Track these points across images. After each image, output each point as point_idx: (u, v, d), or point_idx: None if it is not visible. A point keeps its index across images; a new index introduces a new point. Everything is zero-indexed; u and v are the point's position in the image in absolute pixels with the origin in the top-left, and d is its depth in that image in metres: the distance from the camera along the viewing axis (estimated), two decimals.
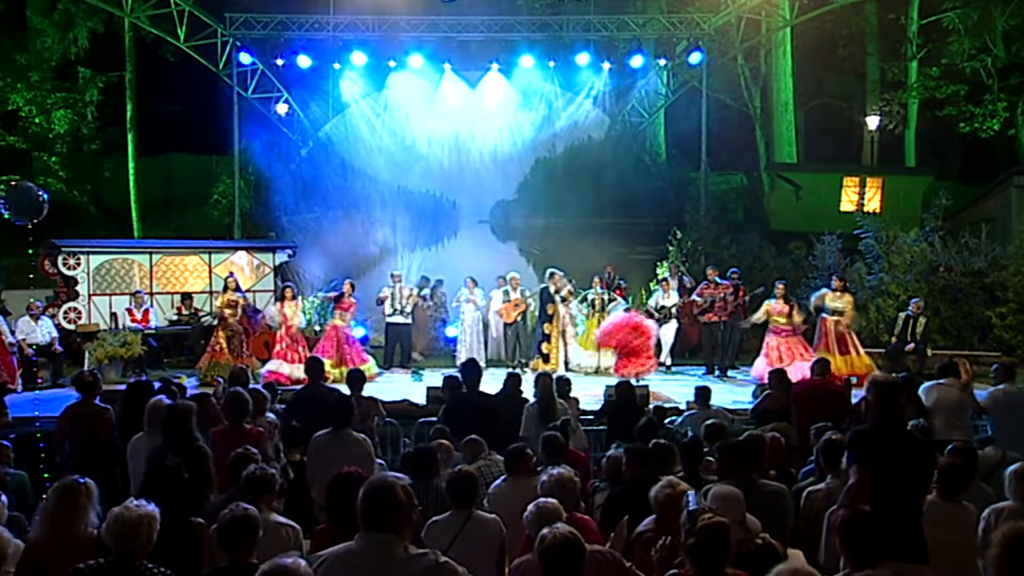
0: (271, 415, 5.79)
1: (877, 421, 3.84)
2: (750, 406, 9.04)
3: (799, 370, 10.22)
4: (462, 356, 11.72)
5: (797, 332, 10.78)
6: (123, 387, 7.71)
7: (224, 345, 10.70)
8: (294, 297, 11.09)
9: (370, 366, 10.95)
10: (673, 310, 12.26)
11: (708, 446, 5.27)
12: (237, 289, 11.17)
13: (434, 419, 7.12)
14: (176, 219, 18.82)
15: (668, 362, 12.38)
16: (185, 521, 3.60)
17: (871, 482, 3.55)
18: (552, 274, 12.11)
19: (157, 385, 6.32)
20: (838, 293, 10.84)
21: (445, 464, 5.14)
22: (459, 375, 7.16)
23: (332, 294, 11.59)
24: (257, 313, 11.43)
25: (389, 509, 2.74)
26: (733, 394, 10.22)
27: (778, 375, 7.68)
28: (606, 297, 12.11)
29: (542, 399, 6.66)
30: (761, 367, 10.85)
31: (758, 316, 11.09)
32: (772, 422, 6.24)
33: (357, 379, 7.04)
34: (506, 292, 12.40)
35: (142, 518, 3.09)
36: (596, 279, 12.19)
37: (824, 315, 10.86)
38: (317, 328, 14.45)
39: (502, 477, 4.68)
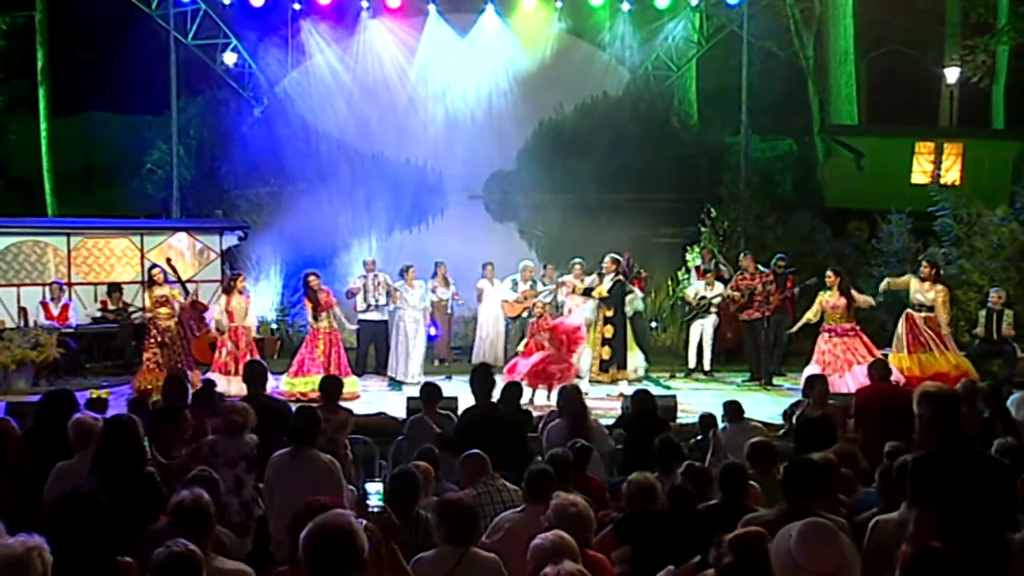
0: (250, 438, 5.74)
1: (936, 444, 3.86)
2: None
3: (856, 378, 10.25)
4: (400, 363, 11.76)
5: (857, 331, 10.77)
6: (36, 399, 7.72)
7: (158, 360, 10.30)
8: (244, 290, 10.92)
9: (354, 382, 10.86)
10: (715, 301, 12.28)
11: (752, 467, 5.30)
12: (168, 281, 10.76)
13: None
14: (100, 193, 18.73)
15: (707, 367, 12.45)
16: (108, 560, 3.59)
17: (934, 526, 3.53)
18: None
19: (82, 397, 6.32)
20: (927, 284, 10.61)
21: (426, 490, 5.16)
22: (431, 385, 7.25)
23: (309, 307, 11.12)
24: (204, 310, 11.38)
25: (345, 559, 2.74)
26: (779, 406, 10.23)
27: (813, 382, 7.71)
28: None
29: (571, 415, 6.70)
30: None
31: (812, 314, 11.06)
32: (815, 441, 6.22)
33: (335, 387, 7.10)
34: (514, 282, 12.46)
35: (29, 551, 3.05)
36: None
37: (909, 310, 10.80)
38: (274, 327, 14.54)
39: (518, 507, 4.70)
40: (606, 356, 11.24)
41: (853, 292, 10.81)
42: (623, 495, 4.90)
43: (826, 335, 10.82)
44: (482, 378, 6.97)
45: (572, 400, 6.96)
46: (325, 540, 2.81)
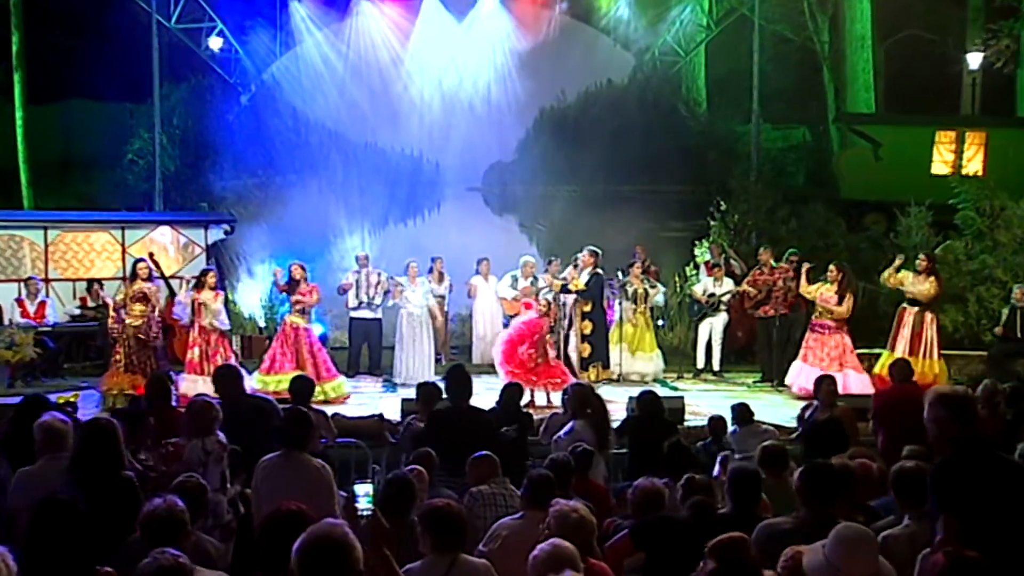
0: (220, 434, 5.79)
1: (951, 449, 3.85)
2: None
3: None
4: (402, 364, 11.75)
5: (843, 330, 10.84)
6: (11, 401, 7.73)
7: (123, 359, 10.15)
8: (216, 286, 10.73)
9: (339, 384, 10.86)
10: (725, 299, 12.28)
11: (763, 472, 5.29)
12: (151, 278, 10.64)
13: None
14: (79, 185, 18.73)
15: (716, 367, 12.47)
16: (86, 571, 3.60)
17: (959, 535, 3.52)
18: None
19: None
20: (921, 276, 10.87)
21: (421, 496, 5.18)
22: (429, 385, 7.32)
23: (279, 275, 11.17)
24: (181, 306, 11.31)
25: (340, 574, 2.74)
26: (792, 408, 10.26)
27: (819, 383, 7.75)
28: (648, 286, 12.12)
29: (595, 416, 6.73)
30: (797, 373, 10.94)
31: (805, 290, 11.19)
32: (824, 445, 6.21)
33: (305, 388, 7.10)
34: (514, 278, 12.45)
35: None
36: (636, 265, 12.23)
37: (904, 304, 10.92)
38: (262, 326, 14.53)
39: (517, 513, 4.72)
40: (586, 354, 11.21)
41: (848, 297, 10.87)
42: (629, 502, 4.91)
43: (812, 331, 11.02)
44: (455, 379, 6.96)
45: (590, 400, 6.96)
46: (319, 553, 2.79)
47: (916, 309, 10.86)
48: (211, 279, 10.68)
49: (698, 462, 6.21)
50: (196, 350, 10.46)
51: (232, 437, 5.96)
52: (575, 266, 11.53)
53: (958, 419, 3.93)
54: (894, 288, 11.18)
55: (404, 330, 11.78)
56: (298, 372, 10.42)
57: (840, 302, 10.80)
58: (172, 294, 11.32)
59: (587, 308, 11.25)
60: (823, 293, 10.95)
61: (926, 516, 4.08)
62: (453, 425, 6.57)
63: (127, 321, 10.26)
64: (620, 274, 12.39)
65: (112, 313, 10.46)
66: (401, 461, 6.94)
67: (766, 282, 11.80)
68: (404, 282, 11.90)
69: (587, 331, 11.23)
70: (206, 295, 10.53)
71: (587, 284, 11.17)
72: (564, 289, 11.33)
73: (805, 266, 11.37)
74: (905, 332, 10.83)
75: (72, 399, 8.77)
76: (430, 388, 7.41)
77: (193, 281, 10.87)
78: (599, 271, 11.33)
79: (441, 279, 12.81)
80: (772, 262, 11.97)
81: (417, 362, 11.71)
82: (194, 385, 10.05)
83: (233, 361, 10.19)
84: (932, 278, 10.87)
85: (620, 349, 11.89)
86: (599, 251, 11.52)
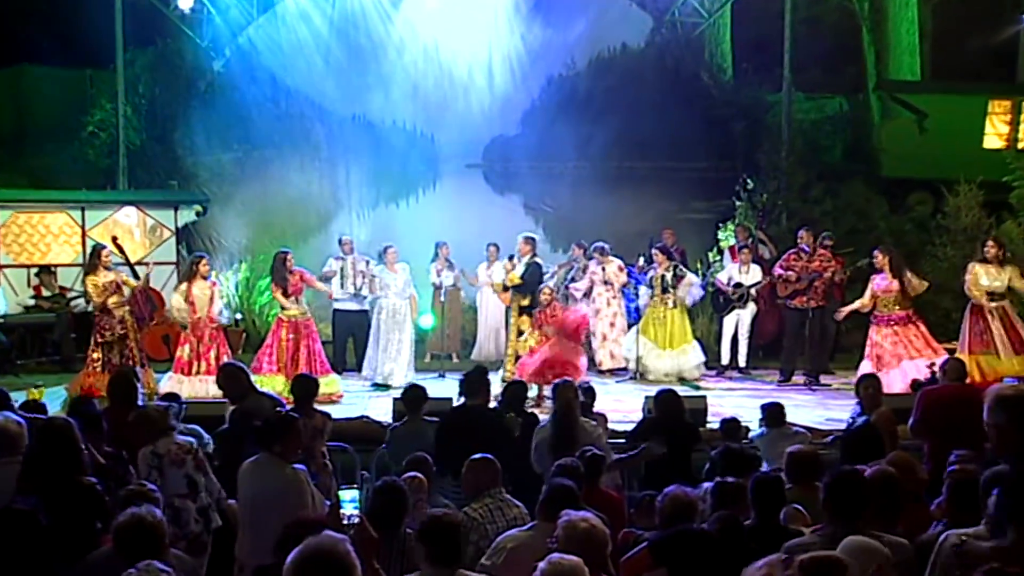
0: (182, 437, 5.79)
1: (1016, 457, 3.83)
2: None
3: (906, 376, 10.26)
4: (379, 362, 11.77)
5: (913, 319, 10.76)
6: None
7: (101, 357, 10.03)
8: (209, 275, 10.73)
9: (333, 381, 10.88)
10: (752, 291, 12.27)
11: (792, 481, 5.29)
12: (114, 264, 10.49)
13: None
14: (33, 160, 18.71)
15: (742, 363, 12.51)
16: None
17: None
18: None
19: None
20: (993, 268, 10.57)
21: (420, 505, 5.20)
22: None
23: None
24: (159, 298, 11.27)
25: None
26: (827, 408, 10.28)
27: (859, 383, 7.78)
28: (668, 275, 12.07)
29: (560, 418, 6.73)
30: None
31: (860, 304, 11.04)
32: (858, 451, 6.21)
33: (309, 387, 7.20)
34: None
35: None
36: (657, 251, 12.20)
37: (974, 302, 10.67)
38: (238, 317, 14.55)
39: (524, 525, 4.72)
40: (524, 352, 11.02)
41: (908, 274, 10.78)
42: (658, 512, 4.91)
43: (878, 325, 10.84)
44: (470, 379, 7.05)
45: (559, 397, 6.97)
46: (318, 569, 2.83)
47: (996, 303, 10.50)
48: (204, 267, 10.65)
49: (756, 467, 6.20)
50: (187, 347, 10.46)
51: (234, 438, 6.01)
52: (508, 257, 11.57)
53: (1019, 425, 3.89)
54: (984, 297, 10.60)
55: (380, 327, 11.79)
56: (279, 373, 10.52)
57: (903, 285, 10.60)
58: (136, 280, 11.25)
59: (525, 303, 11.18)
60: (879, 284, 10.78)
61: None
62: (465, 427, 6.62)
63: (113, 314, 10.10)
64: (642, 260, 12.38)
65: (101, 315, 10.22)
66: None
67: (805, 268, 11.69)
68: (382, 271, 11.87)
69: (524, 327, 11.16)
70: (199, 287, 10.47)
71: (523, 276, 11.17)
72: (506, 288, 11.40)
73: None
74: (998, 330, 10.47)
75: (38, 394, 8.79)
76: (416, 391, 7.52)
77: (183, 272, 10.82)
78: (537, 260, 11.35)
79: (450, 267, 12.77)
80: (804, 246, 11.88)
81: (396, 361, 11.70)
82: (179, 386, 10.05)
83: (228, 358, 10.20)
84: (1010, 268, 10.51)
85: (639, 344, 11.90)
86: (535, 237, 11.66)
